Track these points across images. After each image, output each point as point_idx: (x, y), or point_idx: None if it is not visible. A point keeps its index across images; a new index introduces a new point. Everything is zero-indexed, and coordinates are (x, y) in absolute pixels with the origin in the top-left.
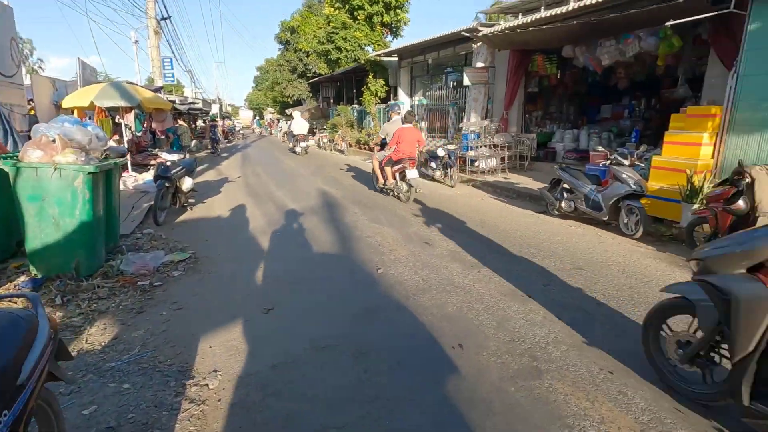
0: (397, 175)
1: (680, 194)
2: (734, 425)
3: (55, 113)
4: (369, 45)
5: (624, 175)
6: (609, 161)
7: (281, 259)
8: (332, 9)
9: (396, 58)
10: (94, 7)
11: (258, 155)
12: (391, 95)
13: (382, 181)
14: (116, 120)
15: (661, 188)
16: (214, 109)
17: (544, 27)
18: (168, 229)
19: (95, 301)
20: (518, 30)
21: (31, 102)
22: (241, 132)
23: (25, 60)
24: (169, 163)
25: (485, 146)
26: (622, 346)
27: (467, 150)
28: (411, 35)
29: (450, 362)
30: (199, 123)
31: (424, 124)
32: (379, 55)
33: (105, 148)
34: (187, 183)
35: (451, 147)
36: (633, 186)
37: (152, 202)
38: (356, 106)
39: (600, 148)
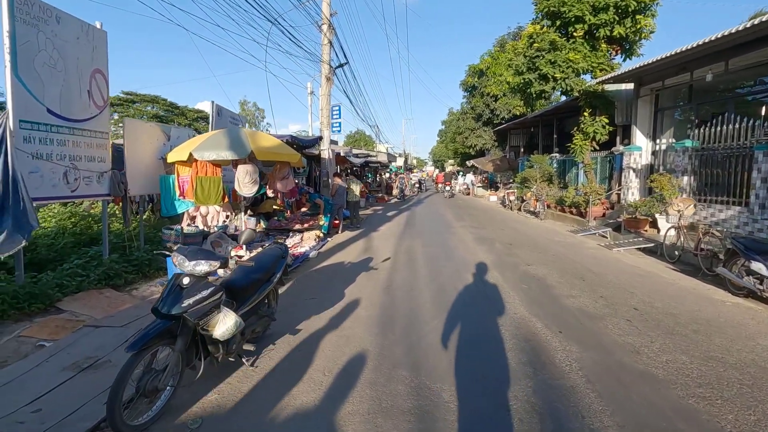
0: None
1: None
2: None
3: (163, 170)
4: (588, 72)
5: None
6: None
7: None
8: (537, 27)
9: (631, 85)
10: (273, 59)
11: (426, 217)
12: (618, 138)
13: None
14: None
15: None
16: (399, 162)
17: None
18: None
19: None
20: None
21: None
22: (417, 185)
23: (256, 125)
24: (186, 281)
25: None
26: None
27: None
28: (650, 54)
29: None
30: (384, 176)
31: (687, 180)
32: (604, 82)
33: None
34: (223, 326)
35: None
36: None
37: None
38: (556, 155)
39: None
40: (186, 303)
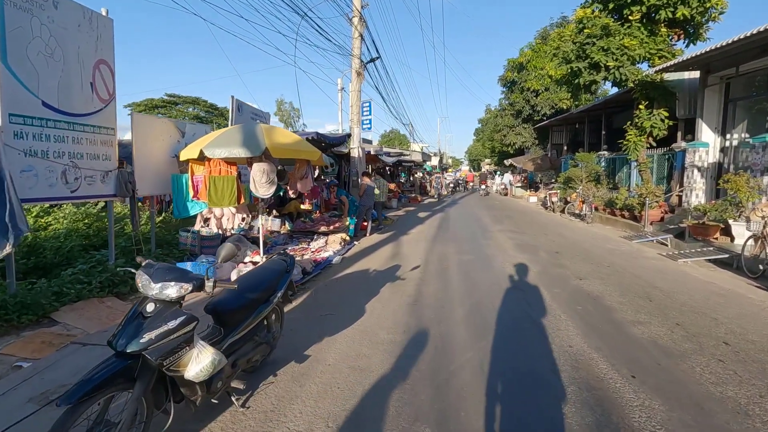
0: None
1: None
2: None
3: (177, 168)
4: (645, 59)
5: None
6: None
7: None
8: (587, 10)
9: (697, 73)
10: (302, 54)
11: (460, 219)
12: (679, 133)
13: None
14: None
15: None
16: (434, 161)
17: None
18: None
19: None
20: None
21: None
22: (451, 184)
23: (292, 125)
24: (150, 308)
25: None
26: None
27: None
28: (717, 38)
29: None
30: (414, 175)
31: (767, 180)
32: (665, 70)
33: None
34: (197, 366)
35: None
36: None
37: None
38: (604, 152)
39: None
40: (146, 338)
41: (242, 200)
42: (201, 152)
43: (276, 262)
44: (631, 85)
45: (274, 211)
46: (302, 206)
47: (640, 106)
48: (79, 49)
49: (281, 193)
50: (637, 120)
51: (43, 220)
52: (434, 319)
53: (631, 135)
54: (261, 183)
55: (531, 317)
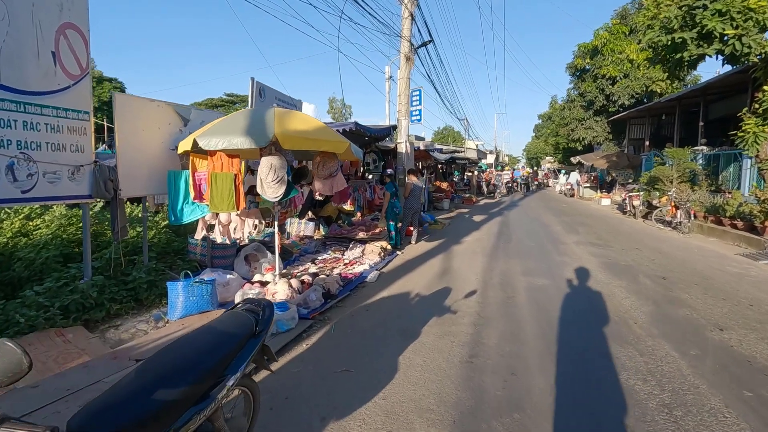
0: None
1: None
2: None
3: (179, 163)
4: None
5: None
6: None
7: None
8: None
9: None
10: (345, 37)
11: (523, 226)
12: None
13: None
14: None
15: None
16: (490, 159)
17: None
18: None
19: None
20: None
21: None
22: (509, 183)
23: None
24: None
25: None
26: None
27: None
28: None
29: None
30: (471, 173)
31: None
32: None
33: None
34: None
35: None
36: None
37: None
38: (703, 148)
39: None
40: None
41: (242, 205)
42: (194, 142)
43: (234, 319)
44: (754, 59)
45: (310, 213)
46: (346, 207)
47: (765, 87)
48: (35, 7)
49: (293, 195)
50: (758, 105)
51: (32, 223)
52: (502, 398)
53: (749, 124)
54: (269, 182)
55: (671, 414)
